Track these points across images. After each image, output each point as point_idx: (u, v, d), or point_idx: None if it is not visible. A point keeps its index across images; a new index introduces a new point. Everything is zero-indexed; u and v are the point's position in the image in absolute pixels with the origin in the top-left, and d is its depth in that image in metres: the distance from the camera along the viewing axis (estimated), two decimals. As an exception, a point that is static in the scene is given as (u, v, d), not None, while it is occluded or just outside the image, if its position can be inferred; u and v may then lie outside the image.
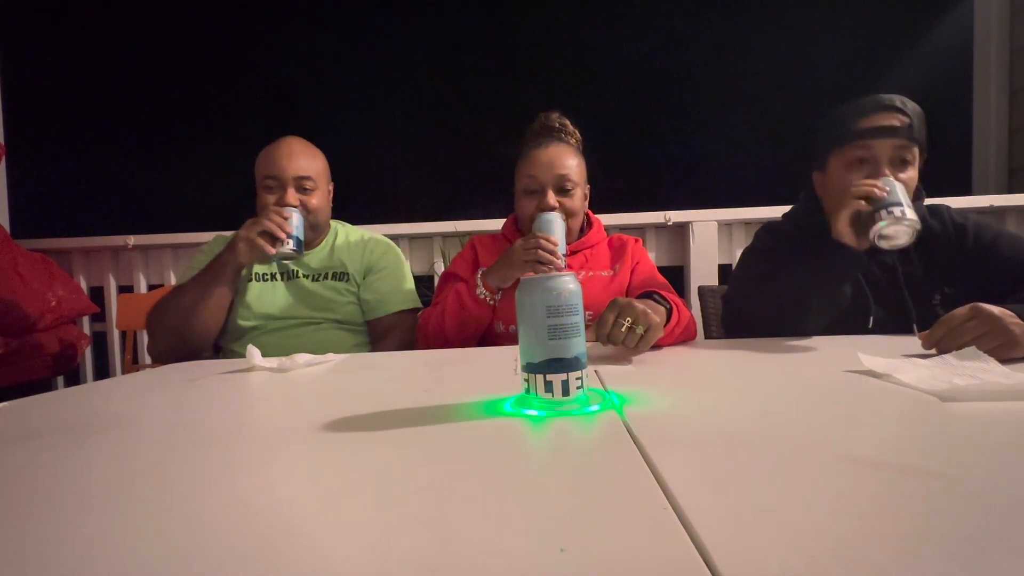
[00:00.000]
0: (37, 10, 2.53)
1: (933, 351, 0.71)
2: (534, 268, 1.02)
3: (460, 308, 1.09)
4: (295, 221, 1.15)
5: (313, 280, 1.27)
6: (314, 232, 1.28)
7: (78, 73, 2.56)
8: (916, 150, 0.96)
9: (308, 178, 1.23)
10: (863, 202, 0.90)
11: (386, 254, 1.34)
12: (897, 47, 2.45)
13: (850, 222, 0.91)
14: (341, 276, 1.28)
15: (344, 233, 1.36)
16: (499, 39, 2.59)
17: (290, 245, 1.13)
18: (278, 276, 1.26)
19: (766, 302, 1.00)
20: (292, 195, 1.21)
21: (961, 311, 0.72)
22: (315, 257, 1.30)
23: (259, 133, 1.39)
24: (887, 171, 0.95)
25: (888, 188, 0.89)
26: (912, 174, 0.96)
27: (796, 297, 0.96)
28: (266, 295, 1.24)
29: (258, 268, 1.26)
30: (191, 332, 1.14)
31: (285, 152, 1.22)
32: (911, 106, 0.95)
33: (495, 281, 1.08)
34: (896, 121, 0.93)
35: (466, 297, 1.09)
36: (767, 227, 1.18)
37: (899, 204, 0.87)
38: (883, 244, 0.90)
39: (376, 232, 1.41)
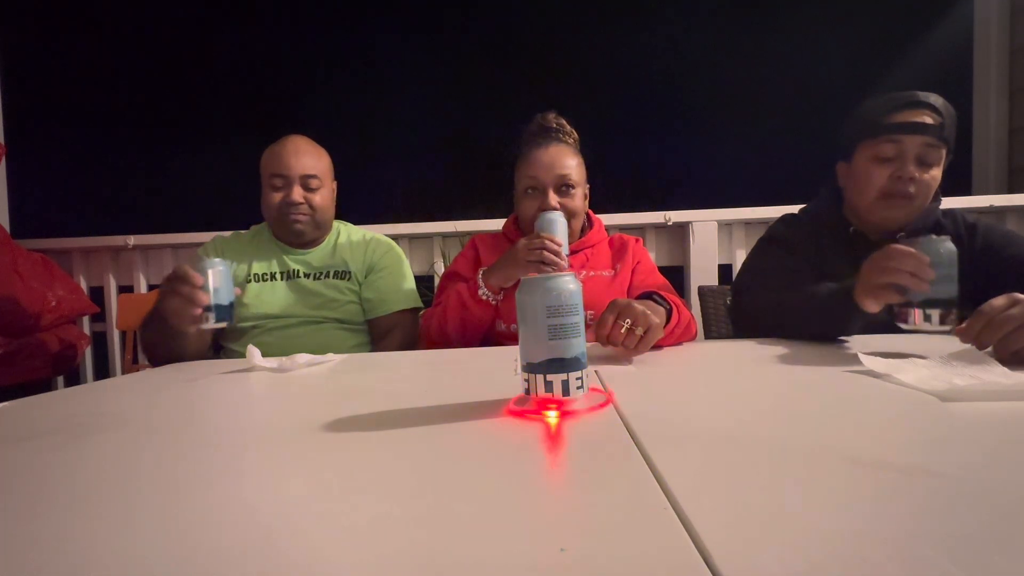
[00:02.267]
0: (37, 10, 2.53)
1: (924, 352, 0.70)
2: (538, 268, 1.01)
3: (462, 308, 1.09)
4: (216, 281, 0.92)
5: (314, 279, 1.27)
6: (319, 230, 1.29)
7: (78, 73, 2.56)
8: (943, 151, 0.96)
9: (314, 176, 1.24)
10: (897, 295, 0.76)
11: (388, 253, 1.34)
12: (897, 47, 2.45)
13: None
14: (343, 275, 1.29)
15: (346, 232, 1.36)
16: (500, 40, 2.59)
17: (211, 321, 0.91)
18: (277, 275, 1.26)
19: (773, 318, 0.99)
20: (298, 192, 1.22)
21: (999, 301, 0.67)
22: (317, 255, 1.30)
23: (259, 133, 1.39)
24: (913, 169, 0.94)
25: (934, 273, 0.72)
26: (936, 174, 0.97)
27: (802, 324, 0.93)
28: (265, 294, 1.24)
29: (256, 268, 1.26)
30: (172, 360, 1.07)
31: (291, 150, 1.23)
32: (945, 105, 0.94)
33: (497, 281, 1.07)
34: (929, 119, 0.93)
35: (467, 298, 1.09)
36: (783, 218, 1.18)
37: (936, 306, 0.73)
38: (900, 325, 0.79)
39: (376, 232, 1.42)
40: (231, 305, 0.96)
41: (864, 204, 1.02)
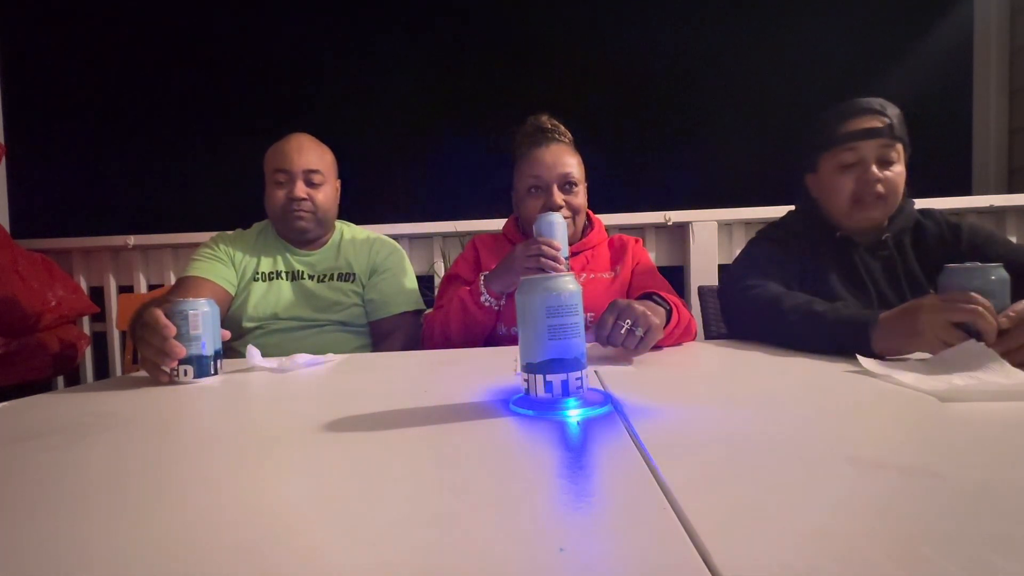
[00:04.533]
0: (37, 10, 2.53)
1: (926, 351, 0.69)
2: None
3: (464, 314, 1.09)
4: (197, 327, 0.78)
5: (318, 281, 1.27)
6: (321, 228, 1.29)
7: (78, 73, 2.56)
8: (900, 147, 1.00)
9: (317, 172, 1.24)
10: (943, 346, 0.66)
11: (391, 255, 1.34)
12: (897, 47, 2.45)
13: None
14: (347, 276, 1.29)
15: (350, 233, 1.36)
16: (499, 39, 2.59)
17: (188, 376, 0.78)
18: (283, 275, 1.26)
19: (768, 318, 0.93)
20: (301, 188, 1.22)
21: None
22: (321, 257, 1.30)
23: (260, 134, 1.39)
24: (876, 171, 0.96)
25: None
26: (899, 170, 1.01)
27: (797, 338, 0.87)
28: (271, 295, 1.24)
29: (263, 266, 1.26)
30: None
31: (295, 146, 1.24)
32: (888, 106, 1.00)
33: (498, 287, 1.07)
34: (878, 122, 0.98)
35: (470, 303, 1.08)
36: (772, 223, 1.20)
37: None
38: None
39: (377, 232, 1.42)
40: (216, 355, 0.81)
41: (839, 211, 1.05)
